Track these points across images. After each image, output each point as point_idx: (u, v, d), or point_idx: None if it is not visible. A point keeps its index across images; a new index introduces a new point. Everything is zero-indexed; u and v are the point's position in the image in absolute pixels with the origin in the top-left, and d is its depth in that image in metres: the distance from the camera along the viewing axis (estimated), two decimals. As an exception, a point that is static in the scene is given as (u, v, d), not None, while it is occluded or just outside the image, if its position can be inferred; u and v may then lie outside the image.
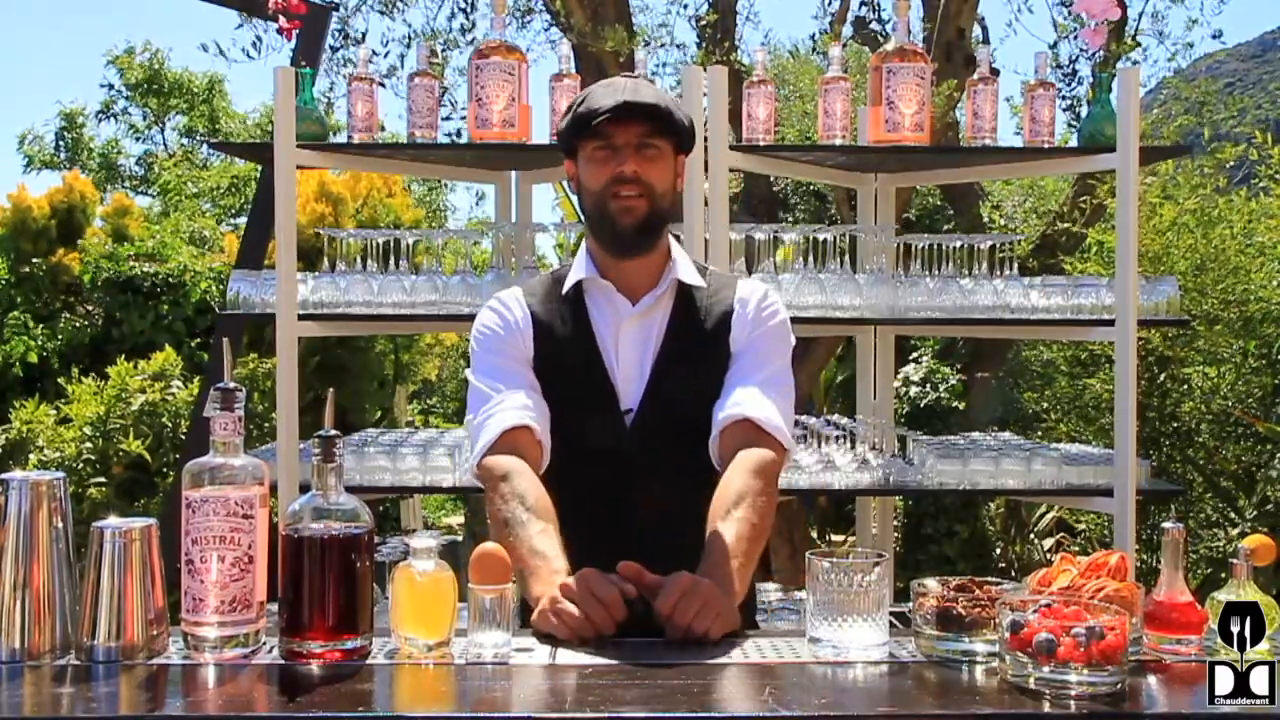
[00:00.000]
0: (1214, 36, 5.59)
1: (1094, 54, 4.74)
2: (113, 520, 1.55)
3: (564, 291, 2.01)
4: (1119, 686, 1.40)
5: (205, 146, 17.06)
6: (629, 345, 1.98)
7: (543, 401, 1.95)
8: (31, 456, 6.09)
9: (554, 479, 1.91)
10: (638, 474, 1.94)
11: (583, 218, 2.01)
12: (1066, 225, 5.29)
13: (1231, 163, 5.15)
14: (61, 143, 17.20)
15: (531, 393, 1.95)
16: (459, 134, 4.75)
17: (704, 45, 4.69)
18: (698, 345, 1.99)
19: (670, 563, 1.68)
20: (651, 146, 1.91)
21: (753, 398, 1.91)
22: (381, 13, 4.77)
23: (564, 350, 1.98)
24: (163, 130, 17.66)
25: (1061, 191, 6.35)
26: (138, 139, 17.91)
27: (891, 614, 1.62)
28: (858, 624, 1.55)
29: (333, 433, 1.56)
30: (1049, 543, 5.87)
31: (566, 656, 1.54)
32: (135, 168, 17.57)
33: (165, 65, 16.78)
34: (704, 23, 4.72)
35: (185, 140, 17.26)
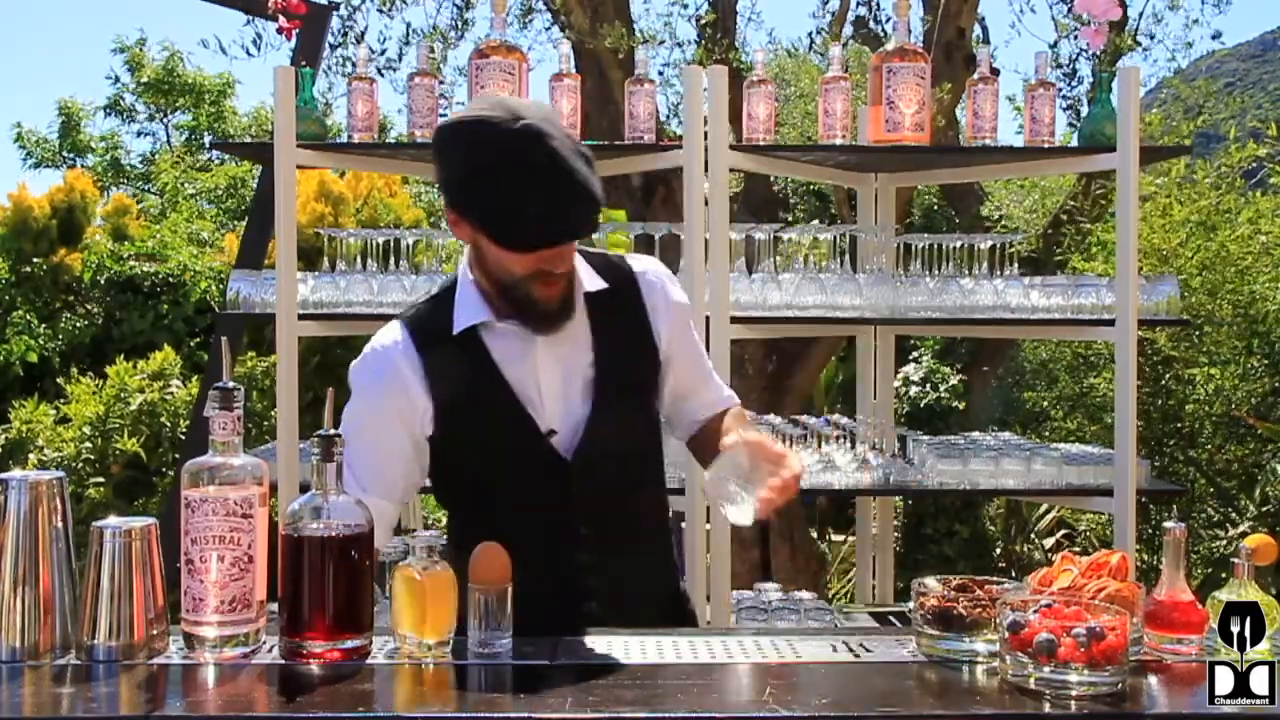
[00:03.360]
0: (1214, 38, 5.58)
1: (1095, 54, 4.73)
2: (113, 520, 1.55)
3: (455, 333, 1.82)
4: (1119, 686, 1.40)
5: (206, 147, 16.97)
6: (550, 372, 1.82)
7: (411, 491, 1.92)
8: (31, 456, 6.09)
9: (487, 519, 1.78)
10: (577, 497, 1.83)
11: (483, 276, 1.80)
12: (1074, 223, 5.27)
13: (1250, 164, 5.13)
14: (65, 141, 17.07)
15: (394, 498, 1.84)
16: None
17: (704, 45, 4.68)
18: (625, 347, 1.89)
19: (621, 552, 1.83)
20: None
21: (714, 386, 2.04)
22: (381, 11, 4.77)
23: (469, 394, 1.81)
24: (166, 127, 17.56)
25: (1063, 190, 6.34)
26: (140, 134, 17.82)
27: (892, 614, 1.62)
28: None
29: (333, 432, 1.56)
30: (1049, 543, 5.86)
31: (567, 656, 1.54)
32: (137, 164, 17.45)
33: (181, 66, 16.64)
34: (704, 22, 4.71)
35: (189, 138, 17.12)
